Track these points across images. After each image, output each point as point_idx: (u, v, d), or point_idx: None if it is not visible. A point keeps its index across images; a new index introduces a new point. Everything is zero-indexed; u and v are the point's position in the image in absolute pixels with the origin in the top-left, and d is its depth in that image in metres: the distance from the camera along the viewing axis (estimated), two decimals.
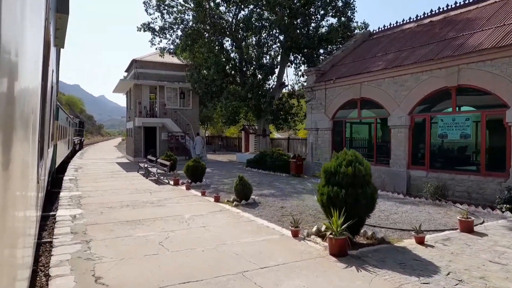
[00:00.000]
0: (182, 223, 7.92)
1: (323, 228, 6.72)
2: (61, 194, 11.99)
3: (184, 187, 13.21)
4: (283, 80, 25.23)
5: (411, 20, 15.63)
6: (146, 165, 17.00)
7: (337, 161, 6.37)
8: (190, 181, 13.95)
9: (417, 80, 11.65)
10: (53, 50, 5.48)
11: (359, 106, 14.03)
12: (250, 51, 25.76)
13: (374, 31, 17.61)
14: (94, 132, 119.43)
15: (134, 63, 26.11)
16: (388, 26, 16.76)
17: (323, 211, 6.58)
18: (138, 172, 18.33)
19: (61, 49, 8.41)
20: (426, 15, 15.05)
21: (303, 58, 24.79)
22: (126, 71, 30.16)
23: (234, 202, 9.87)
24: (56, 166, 16.82)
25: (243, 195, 9.97)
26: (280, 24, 20.54)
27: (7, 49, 1.01)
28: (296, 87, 26.90)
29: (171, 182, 14.38)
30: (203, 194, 11.56)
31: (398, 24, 16.16)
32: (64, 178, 16.45)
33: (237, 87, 25.92)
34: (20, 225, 2.00)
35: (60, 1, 4.94)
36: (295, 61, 25.08)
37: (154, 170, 15.21)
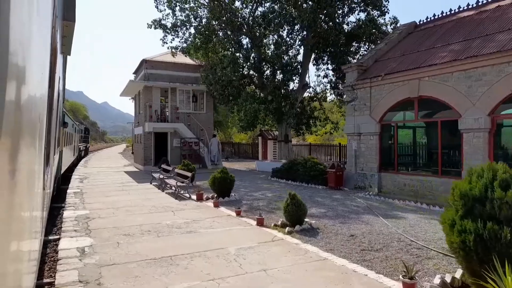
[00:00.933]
0: (230, 262, 5.76)
1: (447, 279, 4.57)
2: (65, 213, 9.88)
3: (210, 204, 11.08)
4: (305, 81, 23.17)
5: (469, 7, 13.53)
6: (161, 176, 14.89)
7: (481, 180, 4.21)
8: (216, 195, 11.83)
9: (500, 73, 9.51)
10: (59, 58, 5.28)
11: (416, 106, 11.87)
12: (268, 50, 23.76)
13: (421, 22, 15.48)
14: (98, 138, 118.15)
15: (144, 64, 24.12)
16: (438, 16, 14.66)
17: (458, 256, 4.37)
18: (151, 183, 16.23)
19: (68, 56, 8.36)
20: (488, 0, 12.96)
21: (327, 57, 22.74)
22: (134, 73, 28.20)
23: (286, 228, 7.69)
24: (62, 172, 16.01)
25: (296, 219, 7.81)
26: (309, 19, 18.48)
27: (16, 57, 0.99)
28: (318, 89, 24.79)
29: (193, 197, 12.27)
30: (238, 214, 9.42)
31: (452, 12, 14.04)
32: (68, 191, 14.37)
33: (256, 89, 23.91)
34: (20, 266, 1.73)
35: (67, 9, 4.91)
36: (319, 60, 23.00)
37: (172, 182, 13.07)
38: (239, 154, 38.13)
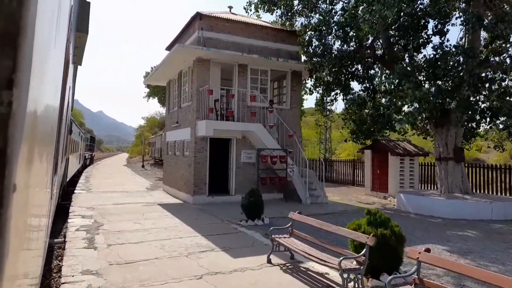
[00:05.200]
0: None
1: None
2: None
3: None
4: (479, 52, 13.42)
5: None
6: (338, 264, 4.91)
7: None
8: None
9: None
10: (71, 68, 4.94)
11: None
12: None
13: None
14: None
15: (198, 21, 14.15)
16: None
17: None
18: (269, 261, 6.30)
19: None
20: None
21: None
22: (168, 47, 18.10)
23: None
24: (68, 179, 14.90)
25: None
26: None
27: (37, 70, 1.00)
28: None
29: None
30: None
31: None
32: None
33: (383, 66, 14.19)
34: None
35: (81, 21, 4.98)
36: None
37: None
38: None
